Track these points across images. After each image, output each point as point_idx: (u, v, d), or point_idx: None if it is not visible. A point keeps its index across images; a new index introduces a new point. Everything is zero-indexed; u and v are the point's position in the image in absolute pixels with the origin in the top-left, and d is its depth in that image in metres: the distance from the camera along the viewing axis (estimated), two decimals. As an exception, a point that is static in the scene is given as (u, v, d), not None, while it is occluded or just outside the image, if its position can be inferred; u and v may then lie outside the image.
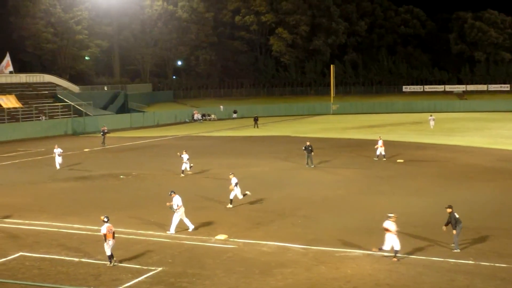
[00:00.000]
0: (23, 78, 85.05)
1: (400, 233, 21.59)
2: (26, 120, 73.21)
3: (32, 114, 74.86)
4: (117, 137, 69.06)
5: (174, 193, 25.54)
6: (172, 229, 25.22)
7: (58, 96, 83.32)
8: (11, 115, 72.36)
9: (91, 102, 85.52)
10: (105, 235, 20.94)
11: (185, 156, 40.29)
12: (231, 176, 30.24)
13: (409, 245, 22.42)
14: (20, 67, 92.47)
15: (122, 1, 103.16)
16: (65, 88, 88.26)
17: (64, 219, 27.90)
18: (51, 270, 20.66)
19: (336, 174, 39.95)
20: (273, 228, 26.01)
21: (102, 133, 60.88)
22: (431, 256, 21.32)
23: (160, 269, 20.41)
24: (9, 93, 77.01)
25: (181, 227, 25.39)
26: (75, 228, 26.27)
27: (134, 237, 24.65)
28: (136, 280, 19.37)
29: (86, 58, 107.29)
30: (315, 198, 32.17)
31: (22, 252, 22.69)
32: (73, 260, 21.55)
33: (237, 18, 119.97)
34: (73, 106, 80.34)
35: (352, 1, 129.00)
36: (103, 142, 59.63)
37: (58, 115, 78.12)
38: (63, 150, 40.94)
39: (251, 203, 30.89)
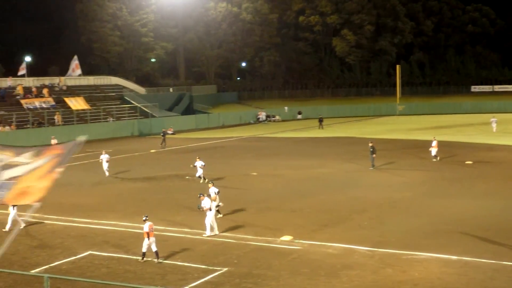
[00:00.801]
0: (91, 80, 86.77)
1: (471, 236, 21.08)
2: (94, 122, 74.62)
3: (99, 115, 76.29)
4: (182, 138, 69.79)
5: (203, 195, 25.52)
6: (208, 231, 24.92)
7: (125, 98, 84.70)
8: (79, 117, 73.90)
9: (157, 103, 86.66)
10: (147, 233, 21.54)
11: (198, 163, 38.40)
12: (210, 185, 27.63)
13: (479, 248, 21.87)
14: (88, 69, 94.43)
15: (187, 4, 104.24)
16: (131, 90, 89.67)
17: (131, 218, 28.25)
18: (119, 268, 20.96)
19: (402, 176, 39.33)
20: (339, 230, 25.77)
21: (162, 134, 61.52)
22: (502, 260, 20.73)
23: (225, 269, 20.45)
24: (78, 95, 78.66)
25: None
26: (142, 228, 26.52)
27: (200, 237, 24.77)
28: (202, 280, 19.45)
29: (152, 60, 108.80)
30: (381, 200, 31.73)
31: (91, 251, 23.09)
32: (140, 259, 21.79)
33: (301, 18, 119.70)
34: (139, 107, 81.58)
35: (419, 0, 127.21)
36: (163, 143, 60.19)
37: (124, 117, 79.41)
38: (110, 156, 40.65)
39: (316, 204, 30.68)
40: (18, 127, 66.68)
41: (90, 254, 22.76)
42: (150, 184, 39.02)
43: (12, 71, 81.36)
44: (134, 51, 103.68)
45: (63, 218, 28.62)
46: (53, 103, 74.58)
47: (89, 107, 76.51)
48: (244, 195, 34.04)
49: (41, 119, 69.94)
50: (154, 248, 21.57)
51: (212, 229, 25.04)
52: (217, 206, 27.38)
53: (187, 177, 40.78)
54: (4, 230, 26.35)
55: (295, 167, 43.81)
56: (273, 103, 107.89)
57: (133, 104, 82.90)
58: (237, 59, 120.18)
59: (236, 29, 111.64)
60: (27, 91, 74.87)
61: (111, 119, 77.01)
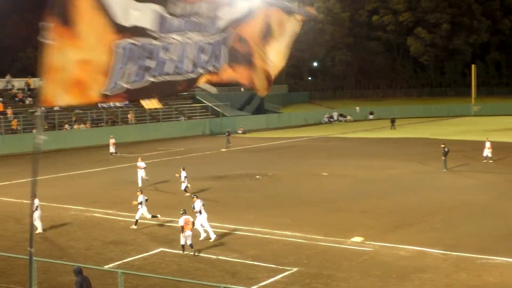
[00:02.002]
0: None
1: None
2: (166, 121, 75.65)
3: (172, 114, 77.32)
4: (253, 137, 70.06)
5: (196, 197, 25.74)
6: (212, 235, 24.54)
7: (197, 97, 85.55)
8: (152, 116, 75.08)
9: (228, 103, 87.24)
10: (182, 227, 22.42)
11: (183, 174, 35.03)
12: (194, 199, 25.88)
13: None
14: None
15: (259, 4, 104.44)
16: (203, 90, 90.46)
17: (202, 217, 28.46)
18: (190, 266, 21.16)
19: (476, 179, 38.41)
20: (411, 232, 25.34)
21: (227, 134, 61.83)
22: None
23: (295, 269, 20.39)
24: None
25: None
26: (212, 226, 26.71)
27: (270, 236, 24.78)
28: (272, 280, 19.45)
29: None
30: (454, 203, 31.05)
31: (163, 248, 23.40)
32: (210, 257, 21.97)
33: (375, 18, 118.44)
34: (211, 107, 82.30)
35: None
36: (228, 142, 60.49)
37: (196, 116, 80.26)
38: (146, 165, 38.93)
39: (387, 205, 30.28)
40: (93, 125, 68.21)
41: (161, 251, 23.07)
42: (221, 183, 39.27)
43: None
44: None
45: (135, 215, 29.08)
46: (127, 102, 75.89)
47: (161, 106, 77.58)
48: (314, 195, 33.90)
49: (115, 118, 71.39)
50: (188, 241, 22.37)
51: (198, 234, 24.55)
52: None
53: (257, 176, 40.89)
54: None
55: (366, 168, 43.37)
56: (345, 103, 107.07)
57: (204, 103, 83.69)
58: (308, 59, 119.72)
59: (308, 29, 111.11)
60: (102, 90, 76.44)
61: (183, 118, 77.95)
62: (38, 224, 26.22)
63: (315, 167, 44.57)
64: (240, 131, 74.65)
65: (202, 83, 7.45)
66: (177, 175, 35.63)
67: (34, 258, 14.28)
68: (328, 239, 24.16)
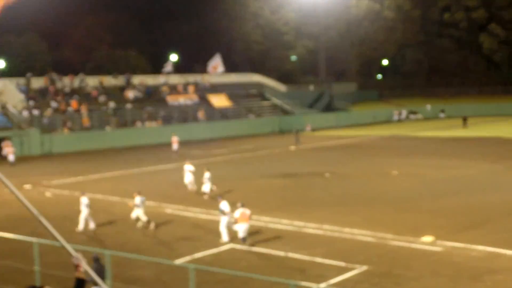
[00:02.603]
0: (233, 78, 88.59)
1: None
2: (235, 118, 76.19)
3: (241, 112, 77.83)
4: (322, 135, 69.87)
5: (222, 198, 25.44)
6: (225, 237, 24.25)
7: (266, 95, 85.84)
8: (221, 113, 75.73)
9: (297, 101, 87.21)
10: (236, 219, 23.32)
11: (206, 175, 33.78)
12: (220, 201, 25.52)
13: None
14: (230, 67, 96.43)
15: (328, 2, 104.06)
16: (272, 88, 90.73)
17: (271, 214, 28.62)
18: (259, 262, 21.34)
19: (553, 178, 37.36)
20: (483, 232, 24.85)
21: (295, 132, 61.79)
22: None
23: (364, 268, 20.30)
24: (220, 92, 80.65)
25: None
26: (281, 223, 26.88)
27: (339, 234, 24.72)
28: (341, 277, 19.43)
29: (293, 58, 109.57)
30: (530, 203, 30.29)
31: (232, 244, 23.62)
32: (279, 254, 22.08)
33: (447, 15, 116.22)
34: (280, 105, 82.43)
35: None
36: (297, 141, 60.46)
37: (265, 114, 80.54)
38: (195, 168, 36.54)
39: (458, 205, 29.77)
40: (164, 122, 69.28)
41: (231, 248, 23.30)
42: (290, 180, 39.35)
43: (159, 69, 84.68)
44: (275, 49, 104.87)
45: (205, 211, 29.46)
46: (197, 100, 76.91)
47: (231, 104, 78.24)
48: (383, 194, 33.61)
49: (185, 115, 72.29)
50: (242, 234, 23.17)
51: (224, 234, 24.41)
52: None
53: (326, 174, 40.79)
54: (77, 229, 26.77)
55: (437, 167, 42.72)
56: (415, 101, 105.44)
57: (273, 101, 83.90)
58: (378, 57, 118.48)
59: (378, 27, 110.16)
60: (173, 88, 77.67)
61: (252, 115, 78.34)
62: (82, 222, 26.62)
63: (384, 165, 44.16)
64: (308, 129, 74.52)
65: None
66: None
67: (108, 252, 14.70)
68: (398, 238, 23.93)
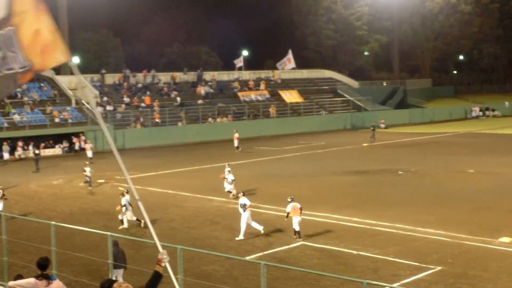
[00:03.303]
0: (305, 73, 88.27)
1: None
2: (307, 114, 75.84)
3: (313, 108, 77.42)
4: (395, 132, 68.82)
5: (243, 194, 25.07)
6: (241, 235, 24.13)
7: (338, 91, 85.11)
8: (293, 109, 75.50)
9: (370, 97, 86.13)
10: (288, 213, 23.89)
11: (229, 177, 32.81)
12: (240, 196, 25.50)
13: None
14: (302, 63, 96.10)
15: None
16: (344, 84, 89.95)
17: (342, 211, 28.26)
18: (330, 260, 21.04)
19: None
20: None
21: (372, 128, 61.13)
22: None
23: (439, 268, 19.75)
24: (292, 88, 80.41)
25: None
26: (353, 221, 26.48)
27: (412, 234, 24.14)
28: (415, 277, 18.95)
29: (365, 53, 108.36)
30: None
31: (304, 241, 23.40)
32: (351, 252, 21.73)
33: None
34: (352, 101, 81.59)
35: None
36: (372, 137, 59.74)
37: (337, 110, 79.88)
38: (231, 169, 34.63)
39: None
40: (235, 118, 69.55)
41: (302, 245, 23.08)
42: (362, 177, 38.83)
43: (230, 65, 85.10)
44: (347, 44, 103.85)
45: (276, 207, 29.29)
46: (268, 95, 76.93)
47: (302, 100, 77.92)
48: (459, 193, 32.74)
49: (257, 111, 72.39)
50: (295, 227, 23.57)
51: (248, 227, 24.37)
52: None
53: (399, 172, 40.08)
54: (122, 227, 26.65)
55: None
56: (492, 98, 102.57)
57: (346, 97, 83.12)
58: (454, 52, 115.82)
59: (454, 21, 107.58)
60: (244, 84, 77.91)
61: (324, 112, 77.84)
62: (126, 220, 26.62)
63: (460, 163, 43.09)
64: (381, 125, 73.50)
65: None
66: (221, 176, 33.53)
67: (179, 247, 14.68)
68: (473, 238, 23.21)
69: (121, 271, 18.04)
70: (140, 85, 70.76)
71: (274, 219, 27.25)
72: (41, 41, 6.51)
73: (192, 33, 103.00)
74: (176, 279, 7.64)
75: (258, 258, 20.78)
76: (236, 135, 55.21)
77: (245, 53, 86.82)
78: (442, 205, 29.46)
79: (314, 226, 25.73)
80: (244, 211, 24.35)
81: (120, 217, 26.41)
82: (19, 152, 53.52)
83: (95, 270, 19.99)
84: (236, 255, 21.07)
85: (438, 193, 32.76)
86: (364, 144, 57.33)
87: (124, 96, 67.34)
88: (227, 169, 33.24)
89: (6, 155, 52.56)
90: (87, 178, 36.43)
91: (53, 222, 19.25)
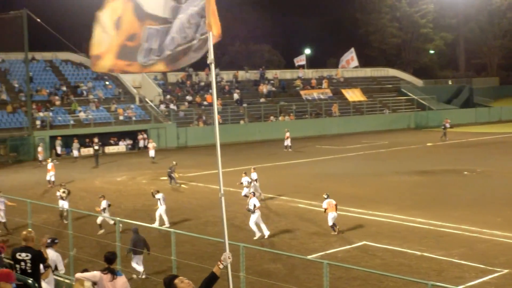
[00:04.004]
0: (368, 72, 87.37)
1: None
2: (370, 113, 75.08)
3: (376, 107, 76.58)
4: (460, 132, 67.42)
5: (253, 194, 25.20)
6: (257, 234, 24.18)
7: (402, 90, 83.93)
8: (356, 108, 74.84)
9: (435, 96, 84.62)
10: (325, 209, 24.66)
11: (253, 175, 31.60)
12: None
13: None
14: (365, 61, 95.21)
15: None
16: (408, 82, 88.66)
17: (405, 212, 27.82)
18: (393, 261, 20.71)
19: None
20: None
21: (443, 127, 60.18)
22: None
23: (506, 271, 19.21)
24: (355, 86, 79.76)
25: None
26: (417, 222, 26.03)
27: (479, 235, 23.56)
28: (480, 280, 18.48)
29: (430, 51, 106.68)
30: None
31: (366, 241, 23.12)
32: (415, 253, 21.35)
33: None
34: (416, 100, 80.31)
35: None
36: (443, 136, 58.82)
37: (401, 109, 78.82)
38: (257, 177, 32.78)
39: None
40: (297, 117, 69.37)
41: (364, 244, 22.81)
42: (426, 178, 38.15)
43: (292, 64, 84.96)
44: (412, 42, 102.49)
45: (338, 207, 29.04)
46: (331, 94, 76.48)
47: (365, 99, 77.20)
48: (527, 194, 31.86)
49: (319, 110, 72.04)
50: (331, 222, 24.43)
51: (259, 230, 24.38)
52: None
53: (465, 172, 39.27)
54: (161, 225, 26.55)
55: None
56: None
57: (410, 96, 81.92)
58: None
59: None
60: (306, 82, 77.65)
61: (387, 111, 76.91)
62: (164, 218, 26.61)
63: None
64: (447, 125, 72.09)
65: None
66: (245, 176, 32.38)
67: (242, 244, 14.68)
68: (543, 241, 22.53)
69: (141, 256, 19.52)
70: (202, 84, 71.27)
71: (337, 219, 27.00)
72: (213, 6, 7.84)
73: (255, 31, 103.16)
74: (238, 276, 7.57)
75: (319, 258, 20.61)
76: (288, 134, 55.02)
77: (307, 51, 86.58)
78: (509, 207, 28.69)
79: (377, 226, 25.43)
80: (254, 212, 24.36)
81: (98, 221, 25.49)
82: (86, 149, 54.41)
83: (157, 267, 20.20)
84: (298, 254, 20.95)
85: (505, 194, 31.92)
86: (429, 144, 56.39)
87: (187, 94, 67.93)
88: (245, 178, 31.70)
89: (75, 152, 53.25)
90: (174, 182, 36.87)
91: (118, 218, 19.60)
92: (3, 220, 26.04)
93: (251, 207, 24.41)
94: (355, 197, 31.97)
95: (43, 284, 11.25)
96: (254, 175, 32.11)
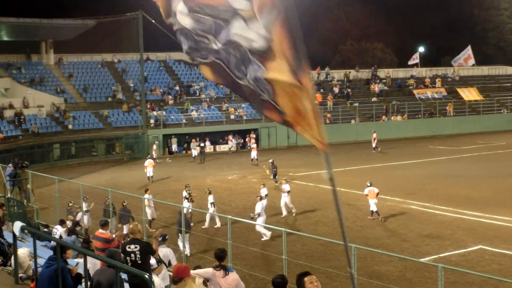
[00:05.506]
0: (485, 70, 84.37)
1: None
2: (487, 113, 72.54)
3: (493, 107, 73.86)
4: None
5: (260, 198, 24.76)
6: (267, 235, 23.59)
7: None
8: (471, 108, 72.49)
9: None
10: (366, 195, 27.03)
11: (263, 191, 27.95)
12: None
13: None
14: (482, 59, 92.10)
15: None
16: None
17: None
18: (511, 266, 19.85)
19: None
20: None
21: None
22: None
23: None
24: (471, 85, 77.27)
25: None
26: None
27: None
28: None
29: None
30: None
31: (482, 245, 22.29)
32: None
33: None
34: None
35: None
36: None
37: (520, 109, 75.70)
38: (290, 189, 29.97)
39: None
40: (410, 117, 67.94)
41: (480, 249, 21.99)
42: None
43: (405, 62, 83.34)
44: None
45: (452, 209, 28.20)
46: (445, 93, 74.43)
47: (482, 98, 74.63)
48: None
49: (433, 110, 70.24)
50: (374, 208, 26.66)
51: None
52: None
53: None
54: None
55: None
56: None
57: (530, 95, 78.47)
58: None
59: None
60: (420, 81, 75.93)
61: (505, 110, 74.01)
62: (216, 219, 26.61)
63: None
64: None
65: None
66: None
67: (353, 245, 14.44)
68: None
69: (187, 235, 21.74)
70: (313, 82, 71.01)
71: (451, 221, 26.25)
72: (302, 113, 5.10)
73: (367, 30, 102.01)
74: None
75: (432, 261, 19.99)
76: (374, 135, 53.87)
77: (421, 49, 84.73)
78: None
79: (494, 230, 24.46)
80: (259, 216, 24.38)
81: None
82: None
83: (268, 264, 20.23)
84: (410, 256, 20.43)
85: None
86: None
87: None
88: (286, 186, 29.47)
89: (194, 152, 52.68)
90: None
91: (230, 216, 19.78)
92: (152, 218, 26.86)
93: (258, 210, 24.47)
94: (470, 199, 30.93)
95: (156, 278, 11.49)
96: (286, 187, 29.28)
